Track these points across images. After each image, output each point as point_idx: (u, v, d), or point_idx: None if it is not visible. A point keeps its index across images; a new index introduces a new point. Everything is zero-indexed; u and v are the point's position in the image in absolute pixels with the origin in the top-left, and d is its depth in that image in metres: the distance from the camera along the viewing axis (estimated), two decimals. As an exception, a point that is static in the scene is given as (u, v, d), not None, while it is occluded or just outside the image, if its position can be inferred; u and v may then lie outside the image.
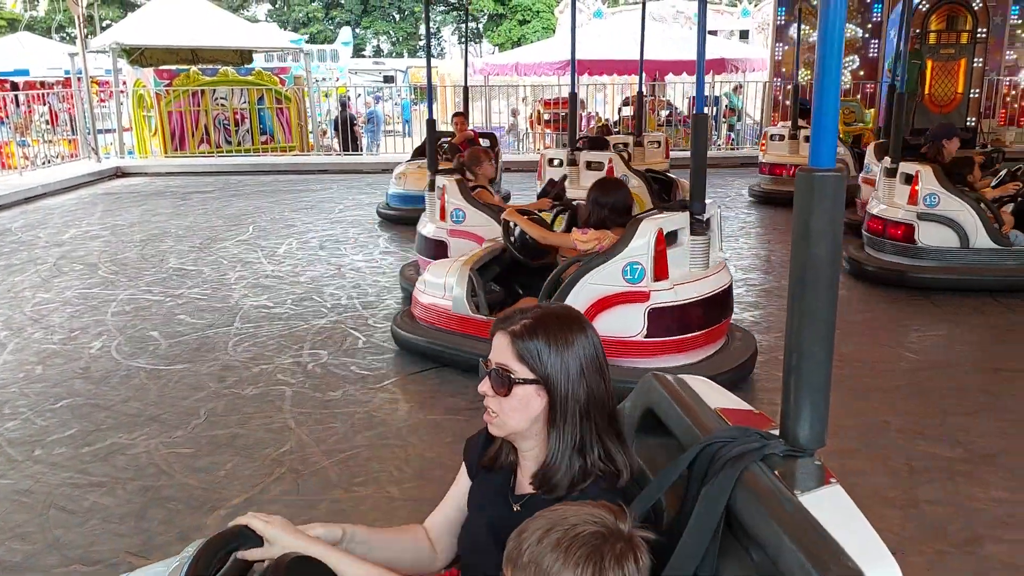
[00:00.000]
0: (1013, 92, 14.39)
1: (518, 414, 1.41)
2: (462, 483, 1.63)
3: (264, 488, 3.12)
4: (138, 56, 15.54)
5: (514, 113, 17.00)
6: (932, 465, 3.21)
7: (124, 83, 14.75)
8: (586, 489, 1.37)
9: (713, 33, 19.99)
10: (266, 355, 4.59)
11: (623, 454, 1.42)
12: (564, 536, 1.09)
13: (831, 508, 1.11)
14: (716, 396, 1.50)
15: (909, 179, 5.84)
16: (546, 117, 14.91)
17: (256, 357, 4.56)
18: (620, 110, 16.04)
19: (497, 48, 35.31)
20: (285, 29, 33.81)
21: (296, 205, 9.89)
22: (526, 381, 1.39)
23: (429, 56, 6.73)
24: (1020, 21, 14.20)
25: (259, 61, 18.40)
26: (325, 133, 16.89)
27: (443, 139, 8.56)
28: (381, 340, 4.80)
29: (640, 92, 10.27)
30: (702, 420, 1.39)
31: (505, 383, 1.39)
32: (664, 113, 15.67)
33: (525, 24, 36.83)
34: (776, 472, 1.18)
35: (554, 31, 26.53)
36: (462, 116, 9.62)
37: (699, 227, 4.00)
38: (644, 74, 15.56)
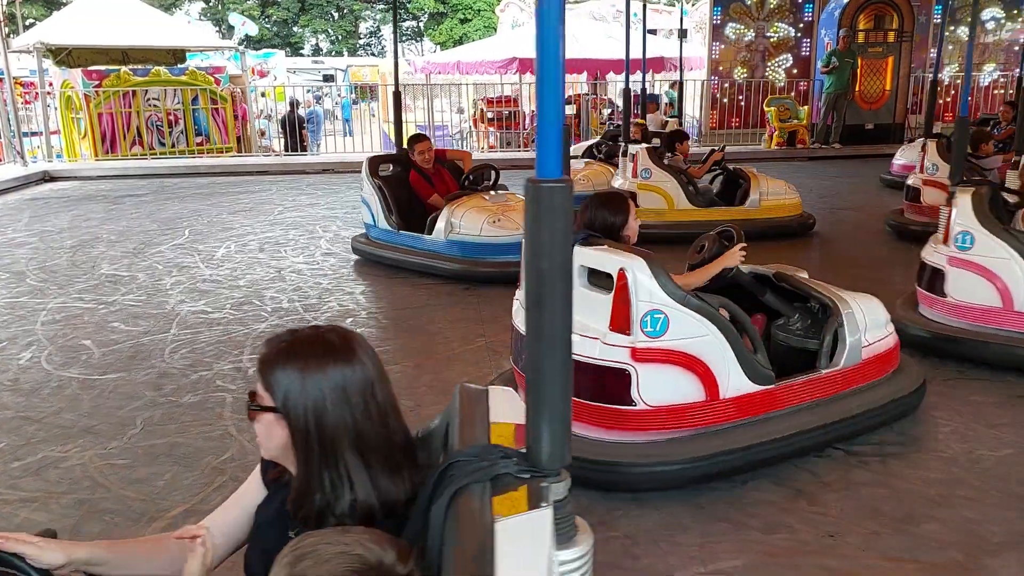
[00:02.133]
0: (939, 87, 14.97)
1: (266, 441, 1.38)
2: (253, 487, 1.56)
3: (205, 497, 3.04)
4: (65, 56, 15.00)
5: (459, 111, 16.96)
6: (867, 450, 3.31)
7: (51, 84, 14.20)
8: (352, 520, 1.30)
9: (653, 32, 20.26)
10: (205, 361, 4.48)
11: (404, 484, 1.35)
12: (311, 569, 1.02)
13: (520, 537, 1.05)
14: (508, 410, 1.39)
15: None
16: (490, 116, 14.91)
17: (194, 364, 4.45)
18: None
19: (439, 47, 35.17)
20: (220, 28, 33.08)
21: (234, 207, 9.68)
22: (264, 408, 1.35)
23: (396, 66, 6.87)
24: (943, 20, 14.78)
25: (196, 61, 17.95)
26: (263, 134, 16.57)
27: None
28: (324, 343, 4.73)
29: (643, 89, 10.52)
30: (468, 436, 1.32)
31: (249, 408, 1.37)
32: (606, 112, 15.81)
33: (467, 23, 36.77)
34: (495, 494, 1.13)
35: (496, 29, 26.52)
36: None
37: None
38: (587, 73, 15.75)
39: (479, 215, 5.92)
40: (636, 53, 14.43)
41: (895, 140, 13.33)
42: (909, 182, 7.45)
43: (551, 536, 1.08)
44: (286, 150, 15.15)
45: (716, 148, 7.98)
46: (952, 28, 14.84)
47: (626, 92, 8.28)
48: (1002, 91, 14.92)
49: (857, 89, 13.23)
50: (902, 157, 9.96)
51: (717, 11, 14.72)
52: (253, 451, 3.38)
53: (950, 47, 14.92)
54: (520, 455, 1.19)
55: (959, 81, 14.70)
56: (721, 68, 14.91)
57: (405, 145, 6.65)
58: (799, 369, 3.34)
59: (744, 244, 3.45)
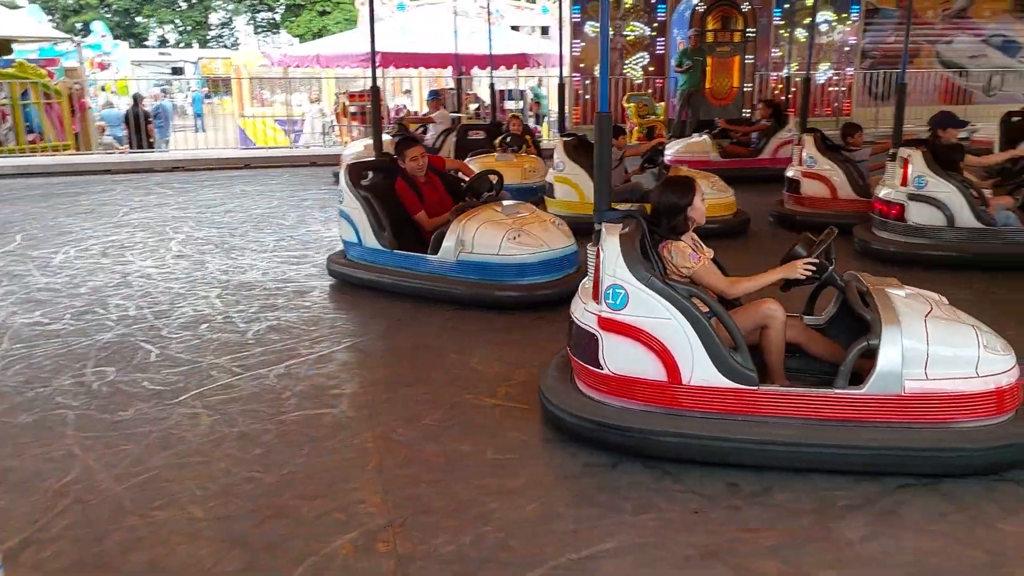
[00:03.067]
0: (780, 86, 15.98)
1: None
2: None
3: (45, 524, 2.77)
4: None
5: (314, 100, 16.43)
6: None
7: None
8: None
9: (516, 28, 20.49)
10: (42, 377, 4.10)
11: None
12: None
13: None
14: None
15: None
16: (352, 110, 14.58)
17: (30, 380, 4.06)
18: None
19: (297, 39, 34.03)
20: (53, 17, 30.59)
21: (73, 210, 8.96)
22: None
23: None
24: (783, 22, 15.78)
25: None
26: (103, 131, 15.45)
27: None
28: (178, 351, 4.45)
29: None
30: None
31: None
32: (473, 107, 15.83)
33: (326, 15, 35.82)
34: None
35: (356, 23, 25.97)
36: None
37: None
38: (451, 68, 15.70)
39: (496, 231, 5.14)
40: (500, 49, 14.59)
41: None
42: (789, 174, 7.84)
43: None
44: (131, 147, 14.19)
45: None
46: (790, 30, 15.88)
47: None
48: (835, 88, 16.13)
49: (708, 86, 13.89)
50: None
51: (576, 9, 15.05)
52: (100, 470, 3.13)
53: (790, 47, 15.97)
54: None
55: (798, 80, 15.78)
56: (582, 65, 15.26)
57: (389, 150, 6.03)
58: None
59: (811, 260, 3.25)
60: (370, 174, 5.81)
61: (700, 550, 2.60)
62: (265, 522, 2.80)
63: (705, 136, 10.74)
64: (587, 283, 3.46)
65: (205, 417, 3.65)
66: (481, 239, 5.13)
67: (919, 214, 6.08)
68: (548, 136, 15.30)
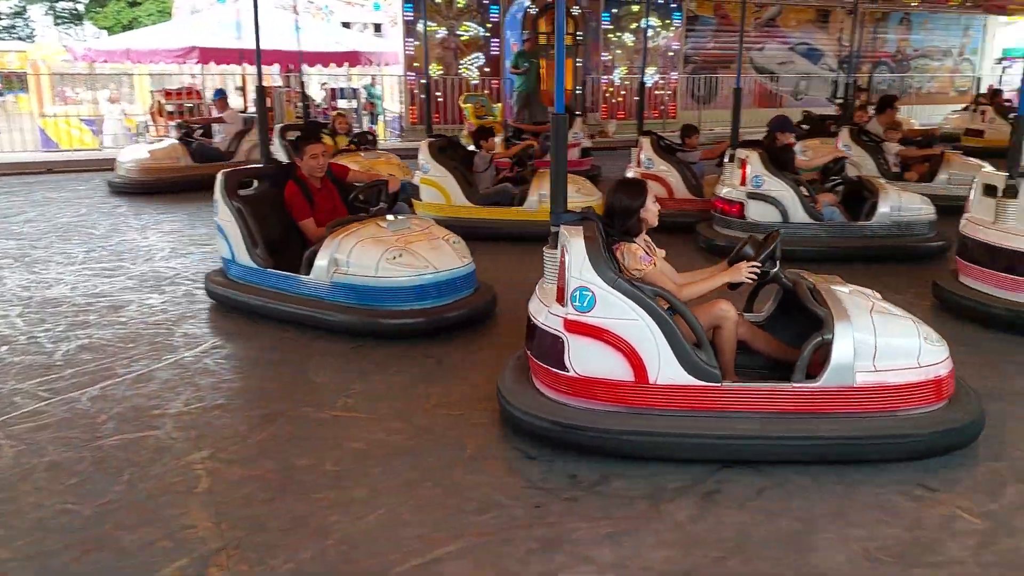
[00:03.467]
0: (611, 89, 16.68)
1: None
2: None
3: None
4: None
5: (112, 101, 15.22)
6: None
7: None
8: None
9: (347, 25, 20.04)
10: None
11: None
12: None
13: None
14: None
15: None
16: (169, 109, 13.69)
17: None
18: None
19: (105, 32, 31.46)
20: None
21: None
22: None
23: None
24: (611, 26, 16.47)
25: None
26: None
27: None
28: (-27, 376, 3.99)
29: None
30: None
31: None
32: (302, 105, 15.30)
33: (136, 6, 33.36)
34: None
35: (171, 15, 24.40)
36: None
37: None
38: (279, 65, 15.09)
39: (373, 249, 4.57)
40: (330, 47, 14.22)
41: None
42: (629, 176, 8.13)
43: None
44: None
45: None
46: (619, 35, 16.60)
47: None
48: (661, 92, 17.05)
49: (543, 88, 14.24)
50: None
51: (409, 8, 14.96)
52: None
53: (618, 52, 16.70)
54: None
55: (628, 83, 16.56)
56: (416, 64, 15.19)
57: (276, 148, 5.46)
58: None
59: (755, 263, 3.40)
60: (253, 183, 5.30)
61: (542, 543, 2.65)
62: (84, 557, 2.57)
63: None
64: (547, 285, 3.45)
65: (8, 448, 3.30)
66: (358, 258, 4.55)
67: (757, 211, 6.57)
68: (385, 136, 15.12)
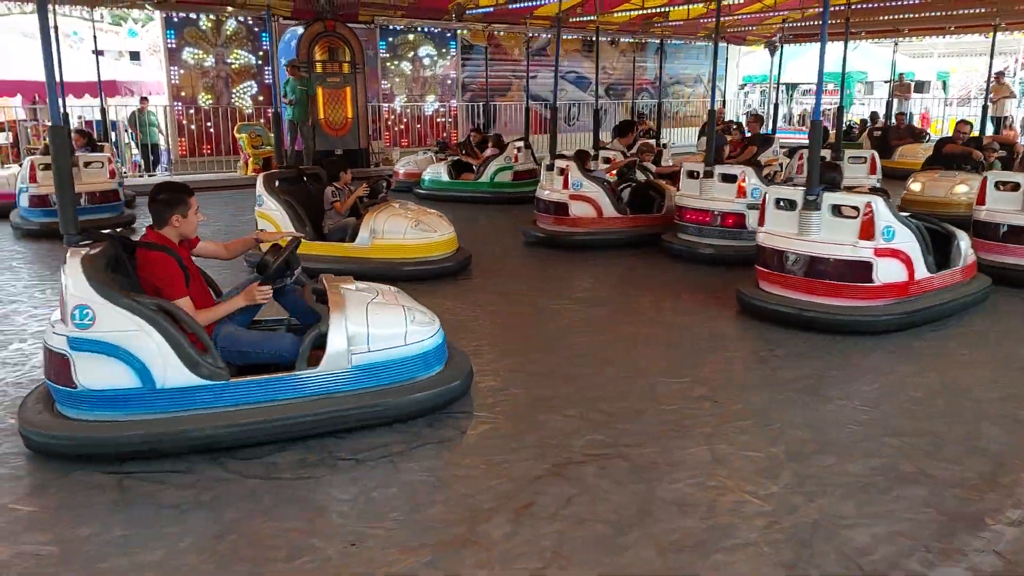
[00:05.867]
0: (392, 116, 16.71)
1: None
2: None
3: None
4: None
5: None
6: (373, 454, 3.46)
7: None
8: None
9: (100, 53, 18.43)
10: None
11: None
12: None
13: None
14: None
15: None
16: None
17: None
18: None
19: None
20: None
21: None
22: None
23: None
24: (388, 54, 16.53)
25: None
26: None
27: None
28: None
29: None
30: None
31: None
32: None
33: None
34: None
35: None
36: None
37: None
38: (21, 96, 13.55)
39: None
40: (80, 76, 13.01)
41: (363, 163, 14.46)
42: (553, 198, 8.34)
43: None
44: None
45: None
46: (396, 63, 16.69)
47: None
48: (442, 119, 17.36)
49: (322, 116, 13.96)
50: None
51: (171, 34, 14.08)
52: None
53: (397, 79, 16.78)
54: None
55: (408, 110, 16.68)
56: (183, 93, 14.31)
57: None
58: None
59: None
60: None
61: (360, 584, 2.53)
62: None
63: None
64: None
65: None
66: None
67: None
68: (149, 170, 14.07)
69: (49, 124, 3.38)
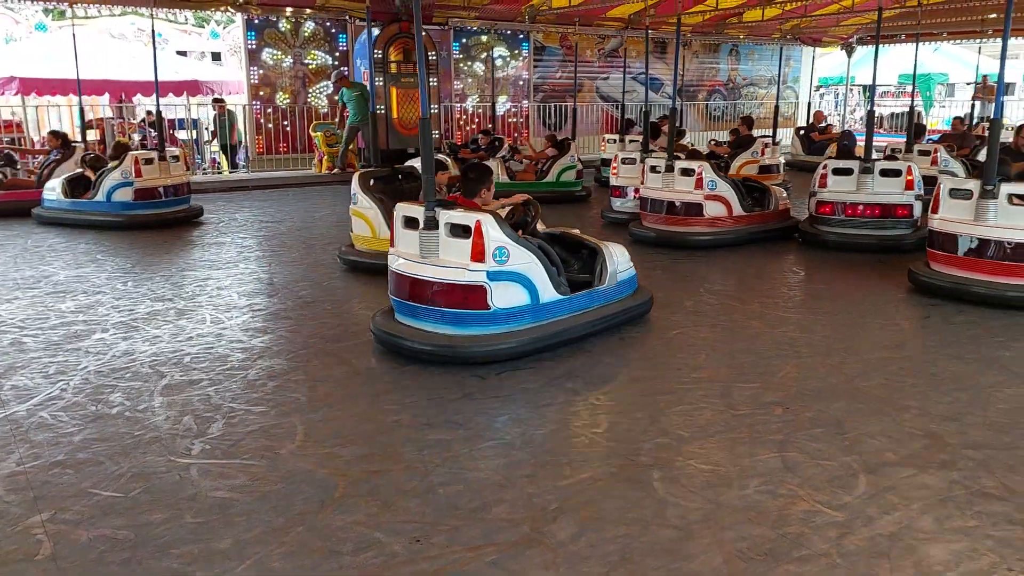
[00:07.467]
0: (464, 116, 16.86)
1: None
2: None
3: None
4: None
5: None
6: (434, 452, 3.49)
7: None
8: None
9: (183, 54, 19.16)
10: None
11: None
12: None
13: None
14: None
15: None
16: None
17: None
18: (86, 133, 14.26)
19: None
20: None
21: None
22: None
23: None
24: (462, 55, 16.69)
25: None
26: None
27: None
28: None
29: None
30: None
31: None
32: (137, 137, 14.45)
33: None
34: None
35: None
36: None
37: None
38: (109, 95, 14.17)
39: None
40: (167, 75, 13.54)
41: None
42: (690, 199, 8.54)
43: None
44: None
45: None
46: (469, 64, 16.84)
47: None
48: (514, 119, 17.42)
49: (395, 116, 14.16)
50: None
51: (252, 36, 14.51)
52: None
53: (469, 80, 16.92)
54: None
55: (480, 110, 16.80)
56: (262, 93, 14.73)
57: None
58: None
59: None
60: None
61: (425, 578, 2.57)
62: None
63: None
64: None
65: None
66: None
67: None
68: (227, 168, 14.56)
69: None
